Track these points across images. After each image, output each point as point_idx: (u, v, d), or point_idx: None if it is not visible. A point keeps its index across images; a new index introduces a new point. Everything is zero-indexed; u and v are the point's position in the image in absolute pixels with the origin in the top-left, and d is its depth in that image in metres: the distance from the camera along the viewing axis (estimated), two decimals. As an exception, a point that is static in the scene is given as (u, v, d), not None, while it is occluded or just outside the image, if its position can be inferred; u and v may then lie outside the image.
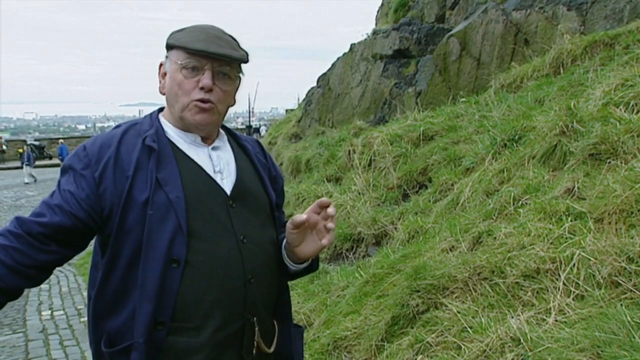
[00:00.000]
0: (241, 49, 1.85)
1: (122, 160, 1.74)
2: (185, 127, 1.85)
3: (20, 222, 1.69)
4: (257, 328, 1.83)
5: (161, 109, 1.96)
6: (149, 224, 1.69)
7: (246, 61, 1.84)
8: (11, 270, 1.64)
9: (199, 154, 1.86)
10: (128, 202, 1.70)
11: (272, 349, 1.91)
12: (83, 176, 1.71)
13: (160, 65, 1.89)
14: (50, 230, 1.68)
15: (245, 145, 2.02)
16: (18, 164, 31.50)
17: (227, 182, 1.86)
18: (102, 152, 1.75)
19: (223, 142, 1.95)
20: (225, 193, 1.83)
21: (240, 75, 1.90)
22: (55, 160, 33.23)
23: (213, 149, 1.89)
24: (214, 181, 1.83)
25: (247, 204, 1.87)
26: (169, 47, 1.84)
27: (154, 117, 1.90)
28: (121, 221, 1.70)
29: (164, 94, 1.88)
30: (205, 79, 1.77)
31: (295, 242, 1.88)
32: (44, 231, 1.68)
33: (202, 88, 1.78)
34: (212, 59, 1.77)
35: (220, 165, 1.88)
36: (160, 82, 1.89)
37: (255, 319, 1.82)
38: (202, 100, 1.79)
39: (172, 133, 1.85)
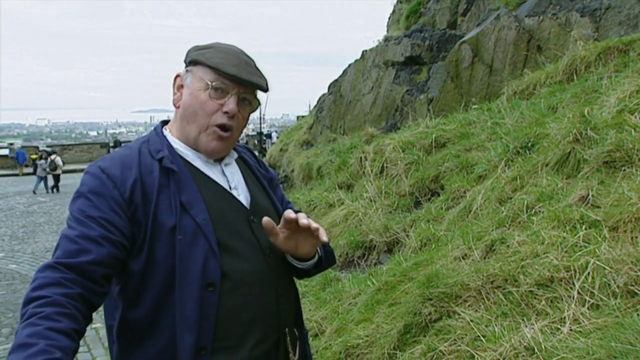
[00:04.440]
0: (263, 75, 1.82)
1: (146, 183, 1.67)
2: (195, 148, 1.81)
3: (67, 266, 1.50)
4: (288, 338, 1.84)
5: (164, 122, 1.91)
6: (180, 250, 1.63)
7: (268, 89, 1.81)
8: (85, 320, 1.50)
9: (214, 172, 1.83)
10: (155, 228, 1.63)
11: (297, 357, 1.90)
12: (113, 198, 1.62)
13: (177, 76, 1.84)
14: (104, 268, 1.55)
15: (245, 158, 2.00)
16: (30, 170, 31.67)
17: (243, 198, 1.84)
18: (125, 173, 1.67)
19: (232, 157, 1.92)
20: (246, 208, 1.82)
21: (258, 100, 1.86)
22: (67, 167, 33.23)
23: (225, 165, 1.87)
24: (235, 197, 1.82)
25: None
26: (194, 62, 1.78)
27: (160, 133, 1.84)
28: (150, 249, 1.63)
29: (177, 107, 1.82)
30: (231, 104, 1.75)
31: (289, 247, 1.82)
32: (100, 270, 1.53)
33: (226, 112, 1.75)
34: (240, 85, 1.75)
35: (234, 181, 1.86)
36: (174, 93, 1.83)
37: (287, 329, 1.83)
38: (223, 127, 1.76)
39: (185, 150, 1.81)
